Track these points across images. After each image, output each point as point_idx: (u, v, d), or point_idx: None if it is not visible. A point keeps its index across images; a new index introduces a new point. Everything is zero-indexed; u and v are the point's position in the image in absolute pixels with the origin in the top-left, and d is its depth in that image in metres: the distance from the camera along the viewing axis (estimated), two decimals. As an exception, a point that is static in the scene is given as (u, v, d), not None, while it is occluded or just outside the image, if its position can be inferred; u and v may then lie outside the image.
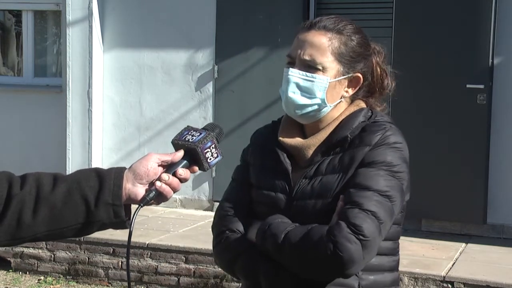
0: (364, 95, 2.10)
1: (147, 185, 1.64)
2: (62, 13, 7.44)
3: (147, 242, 5.67)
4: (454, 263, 5.31)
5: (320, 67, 1.99)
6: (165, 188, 1.64)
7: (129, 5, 7.17)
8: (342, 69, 2.01)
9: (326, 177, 1.97)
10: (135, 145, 7.23)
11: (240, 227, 2.04)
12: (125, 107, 7.26)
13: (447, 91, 6.11)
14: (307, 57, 1.99)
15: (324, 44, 1.99)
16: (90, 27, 7.13)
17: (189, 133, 1.72)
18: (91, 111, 7.18)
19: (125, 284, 5.74)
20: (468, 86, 6.04)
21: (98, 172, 1.64)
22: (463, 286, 4.92)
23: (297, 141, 2.05)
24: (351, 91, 2.05)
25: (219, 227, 2.07)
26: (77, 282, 5.88)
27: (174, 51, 7.07)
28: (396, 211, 1.93)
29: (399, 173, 1.94)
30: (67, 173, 7.12)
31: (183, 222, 6.46)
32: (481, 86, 6.02)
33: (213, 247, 2.09)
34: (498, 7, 6.00)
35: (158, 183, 1.64)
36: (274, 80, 6.28)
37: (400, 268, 5.76)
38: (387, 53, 2.18)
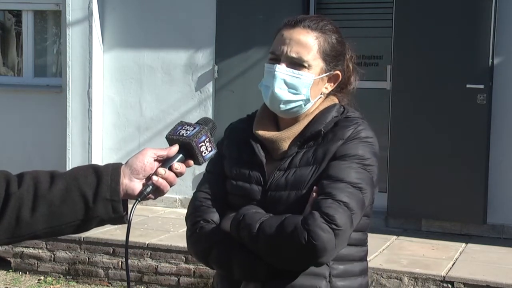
0: (336, 90, 2.17)
1: (144, 180, 1.66)
2: (62, 13, 7.44)
3: (147, 242, 5.67)
4: (454, 263, 5.31)
5: (306, 65, 2.06)
6: (162, 182, 1.66)
7: (129, 5, 7.17)
8: (325, 67, 2.09)
9: (300, 169, 2.04)
10: (135, 145, 7.23)
11: (215, 217, 2.09)
12: (125, 107, 7.26)
13: (447, 91, 6.11)
14: (294, 55, 2.06)
15: (310, 43, 2.07)
16: (90, 27, 7.13)
17: (183, 128, 1.74)
18: (91, 111, 7.18)
19: (125, 284, 5.74)
20: (468, 86, 6.04)
21: (95, 168, 1.65)
22: (463, 286, 4.92)
23: (271, 133, 2.11)
24: (330, 88, 2.14)
25: (193, 217, 2.11)
26: (77, 282, 5.88)
27: (174, 51, 7.07)
28: (367, 203, 2.01)
29: (370, 167, 2.02)
30: (67, 173, 7.14)
31: (183, 222, 6.42)
32: (481, 86, 6.02)
33: (188, 237, 2.13)
34: (498, 7, 6.00)
35: (154, 178, 1.65)
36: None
37: (400, 268, 5.72)
38: (354, 50, 2.24)
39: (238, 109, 6.80)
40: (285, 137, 2.09)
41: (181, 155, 1.70)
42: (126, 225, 1.65)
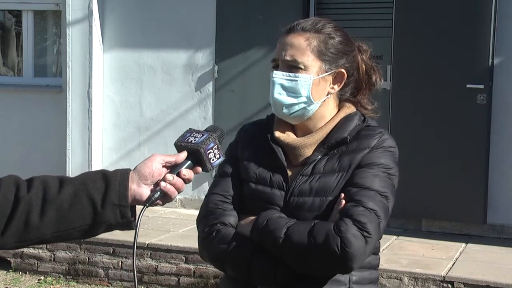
0: (352, 92, 2.17)
1: (152, 185, 1.67)
2: (62, 13, 7.44)
3: (147, 242, 5.67)
4: (454, 263, 5.31)
5: (302, 66, 2.06)
6: (170, 189, 1.67)
7: (129, 5, 7.17)
8: (324, 66, 2.08)
9: (324, 176, 2.04)
10: (135, 145, 7.23)
11: (232, 220, 2.07)
12: (125, 107, 7.26)
13: (447, 91, 6.11)
14: (288, 58, 2.07)
15: (302, 44, 2.07)
16: (90, 27, 7.13)
17: (192, 135, 1.75)
18: (91, 111, 7.18)
19: (125, 284, 5.74)
20: (468, 86, 6.04)
21: (103, 173, 1.66)
22: (463, 286, 4.92)
23: (294, 139, 2.11)
24: (337, 87, 2.12)
25: (209, 220, 2.08)
26: (77, 282, 5.88)
27: (174, 51, 7.07)
28: (390, 211, 2.03)
29: (393, 176, 2.06)
30: (68, 172, 7.15)
31: (183, 222, 6.47)
32: (481, 86, 6.02)
33: (202, 239, 2.10)
34: (498, 7, 6.00)
35: (162, 184, 1.66)
36: (274, 80, 6.27)
37: (400, 268, 5.71)
38: (371, 50, 2.23)
39: (238, 109, 6.81)
40: (308, 144, 2.09)
41: (189, 162, 1.71)
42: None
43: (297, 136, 2.12)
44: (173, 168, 1.70)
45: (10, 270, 6.09)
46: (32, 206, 1.59)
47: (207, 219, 2.09)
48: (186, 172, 1.70)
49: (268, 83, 2.19)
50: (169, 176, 1.67)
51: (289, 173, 2.07)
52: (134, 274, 1.73)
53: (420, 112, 6.19)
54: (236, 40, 6.83)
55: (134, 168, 1.68)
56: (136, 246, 6.36)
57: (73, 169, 7.21)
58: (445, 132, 6.14)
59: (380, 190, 1.99)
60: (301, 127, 2.13)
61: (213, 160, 1.73)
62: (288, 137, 2.11)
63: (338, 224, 1.90)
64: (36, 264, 6.02)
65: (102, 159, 7.31)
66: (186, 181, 1.70)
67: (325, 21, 2.13)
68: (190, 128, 1.79)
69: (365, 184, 1.98)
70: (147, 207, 1.66)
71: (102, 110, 7.30)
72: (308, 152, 2.08)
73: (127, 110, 7.26)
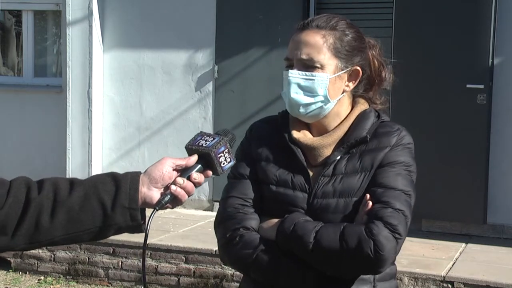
0: (364, 89, 2.14)
1: (162, 189, 1.66)
2: (62, 13, 7.44)
3: (147, 242, 5.66)
4: (454, 263, 5.31)
5: (318, 65, 2.02)
6: (180, 192, 1.66)
7: (129, 5, 7.17)
8: (340, 64, 2.05)
9: (347, 176, 2.01)
10: (135, 145, 7.23)
11: (254, 224, 2.02)
12: (125, 107, 7.26)
13: (447, 91, 6.11)
14: (304, 57, 2.02)
15: (319, 42, 2.03)
16: (90, 27, 7.13)
17: (203, 138, 1.74)
18: (91, 111, 7.18)
19: (125, 284, 5.74)
20: (468, 86, 6.04)
21: (114, 176, 1.66)
22: (463, 286, 4.92)
23: (311, 139, 2.07)
24: (351, 85, 2.09)
25: (231, 225, 2.03)
26: (77, 282, 5.88)
27: (174, 51, 7.07)
28: (412, 207, 2.02)
29: (413, 173, 2.06)
30: (67, 172, 7.14)
31: (183, 222, 6.46)
32: (481, 86, 6.02)
33: (223, 244, 2.04)
34: (498, 7, 6.00)
35: (173, 187, 1.65)
36: (274, 79, 6.28)
37: (400, 268, 5.69)
38: (382, 47, 2.23)
39: (238, 109, 6.81)
40: (326, 144, 2.05)
41: (199, 165, 1.70)
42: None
43: (312, 135, 2.09)
44: (184, 171, 1.69)
45: (10, 270, 6.09)
46: (43, 208, 1.60)
47: (228, 223, 2.03)
48: (196, 175, 1.69)
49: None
50: (180, 180, 1.66)
51: (310, 173, 2.04)
52: (143, 279, 1.73)
53: (420, 112, 6.19)
54: (236, 40, 6.83)
55: (145, 171, 1.68)
56: (136, 246, 6.31)
57: (73, 169, 7.21)
58: (445, 132, 6.14)
59: (405, 190, 1.97)
60: (317, 126, 2.09)
61: (223, 164, 1.72)
62: (305, 137, 2.07)
63: (370, 227, 1.89)
64: (36, 264, 6.02)
65: (102, 159, 7.31)
66: (196, 184, 1.69)
67: (339, 17, 2.10)
68: (201, 131, 1.79)
69: (390, 184, 1.97)
70: (157, 210, 1.65)
71: (102, 110, 7.30)
72: (327, 152, 2.05)
73: (127, 110, 7.26)
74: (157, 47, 7.12)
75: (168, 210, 7.22)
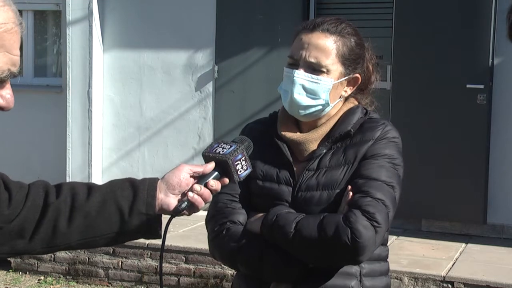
0: (356, 92, 2.17)
1: (179, 195, 1.67)
2: (62, 13, 7.44)
3: (147, 242, 5.67)
4: (454, 263, 5.31)
5: (325, 70, 2.05)
6: (197, 199, 1.67)
7: (129, 5, 7.17)
8: (344, 71, 2.08)
9: (330, 169, 2.05)
10: (135, 145, 7.23)
11: (241, 218, 2.07)
12: (125, 107, 7.26)
13: (447, 91, 6.11)
14: (312, 60, 2.04)
15: (329, 47, 2.05)
16: (90, 27, 7.13)
17: (220, 146, 1.76)
18: (91, 111, 7.18)
19: (125, 284, 5.75)
20: (468, 86, 6.04)
21: (132, 182, 1.67)
22: (463, 286, 4.92)
23: (298, 135, 2.11)
24: (349, 91, 2.13)
25: (218, 219, 2.08)
26: (77, 282, 5.88)
27: (174, 51, 7.07)
28: (397, 201, 2.02)
29: (398, 166, 2.06)
30: (67, 172, 7.14)
31: (183, 222, 6.46)
32: (481, 86, 6.02)
33: (212, 238, 2.10)
34: (498, 7, 6.00)
35: (190, 194, 1.66)
36: (274, 80, 6.27)
37: (400, 268, 5.69)
38: (371, 45, 2.23)
39: (238, 109, 6.81)
40: (312, 139, 2.09)
41: (216, 173, 1.71)
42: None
43: (302, 132, 2.12)
44: (201, 178, 1.70)
45: (10, 270, 6.09)
46: (61, 212, 1.61)
47: (216, 218, 2.09)
48: (213, 183, 1.70)
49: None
50: (197, 187, 1.67)
51: (295, 168, 2.08)
52: (160, 282, 1.74)
53: (420, 112, 6.19)
54: (236, 40, 6.83)
55: (162, 177, 1.69)
56: (136, 247, 6.31)
57: (73, 169, 7.21)
58: (445, 132, 6.14)
59: (387, 181, 1.99)
60: (307, 123, 2.12)
61: (240, 171, 1.73)
62: (292, 133, 2.11)
63: (347, 216, 1.91)
64: (36, 264, 6.02)
65: (102, 159, 7.31)
66: (213, 192, 1.70)
67: (345, 23, 2.12)
68: (218, 139, 1.82)
69: (372, 175, 1.99)
70: (174, 217, 1.66)
71: (102, 110, 7.30)
72: (313, 147, 2.09)
73: (127, 110, 7.26)
74: (157, 47, 7.12)
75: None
